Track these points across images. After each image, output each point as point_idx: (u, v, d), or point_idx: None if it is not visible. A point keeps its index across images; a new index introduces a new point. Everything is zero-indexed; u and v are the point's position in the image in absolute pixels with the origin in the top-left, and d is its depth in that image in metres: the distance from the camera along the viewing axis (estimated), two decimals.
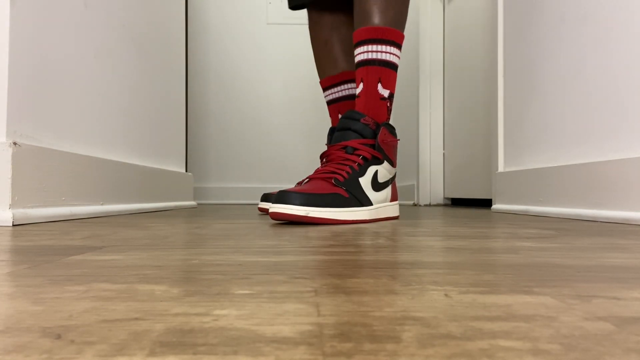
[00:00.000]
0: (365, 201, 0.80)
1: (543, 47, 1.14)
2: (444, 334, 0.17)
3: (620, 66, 0.87)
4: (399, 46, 0.88)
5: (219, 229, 0.63)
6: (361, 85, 0.87)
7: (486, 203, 1.87)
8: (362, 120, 0.83)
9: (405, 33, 2.24)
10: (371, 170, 0.82)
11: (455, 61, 1.96)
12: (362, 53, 0.87)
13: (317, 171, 0.81)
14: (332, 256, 0.36)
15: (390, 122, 2.51)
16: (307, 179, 0.81)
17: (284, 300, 0.22)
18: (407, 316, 0.19)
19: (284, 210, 0.71)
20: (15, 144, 0.69)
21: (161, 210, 1.27)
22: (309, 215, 0.71)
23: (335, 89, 1.07)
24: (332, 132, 0.96)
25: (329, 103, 1.09)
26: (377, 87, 0.86)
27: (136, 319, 0.19)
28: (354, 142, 0.82)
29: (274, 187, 2.35)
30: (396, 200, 0.92)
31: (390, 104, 0.88)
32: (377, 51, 0.86)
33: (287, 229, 0.62)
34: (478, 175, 1.77)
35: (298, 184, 1.02)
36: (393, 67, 0.87)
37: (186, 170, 1.85)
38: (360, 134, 0.82)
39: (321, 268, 0.31)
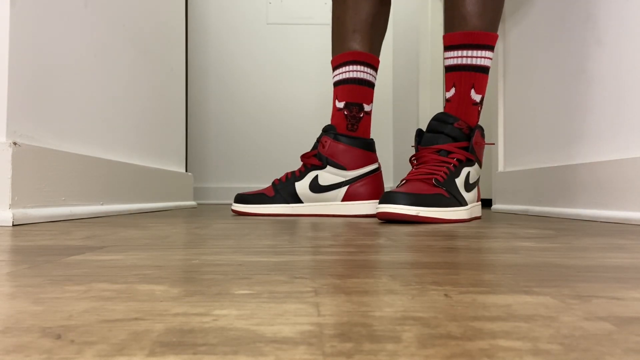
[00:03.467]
0: (462, 201, 0.82)
1: (543, 47, 1.14)
2: (444, 334, 0.17)
3: (620, 66, 0.87)
4: (493, 48, 0.87)
5: (219, 229, 0.63)
6: (453, 90, 0.87)
7: (486, 203, 1.87)
8: (455, 124, 0.84)
9: (405, 33, 2.24)
10: (464, 171, 0.84)
11: None
12: (456, 57, 0.86)
13: (411, 173, 0.83)
14: (332, 256, 0.36)
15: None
16: (403, 181, 0.82)
17: (284, 300, 0.22)
18: (407, 316, 0.19)
19: (394, 210, 0.73)
20: (15, 144, 0.69)
21: (161, 210, 1.27)
22: (420, 214, 0.73)
23: (338, 71, 1.03)
24: (420, 133, 0.90)
25: (333, 85, 1.06)
26: (470, 93, 0.87)
27: (136, 319, 0.19)
28: (448, 146, 0.83)
29: None
30: (480, 200, 0.94)
31: (481, 108, 0.89)
32: (472, 56, 0.86)
33: (286, 229, 0.62)
34: None
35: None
36: (486, 71, 0.87)
37: (186, 170, 1.85)
38: (453, 137, 0.84)
39: (321, 268, 0.31)
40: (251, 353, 0.15)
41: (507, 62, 1.33)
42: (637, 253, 0.40)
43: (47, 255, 0.36)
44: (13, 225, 0.66)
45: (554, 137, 1.09)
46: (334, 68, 1.03)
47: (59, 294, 0.23)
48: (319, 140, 1.01)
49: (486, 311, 0.20)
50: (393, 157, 2.47)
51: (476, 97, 0.86)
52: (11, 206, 0.68)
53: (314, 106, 2.38)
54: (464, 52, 0.86)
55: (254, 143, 2.36)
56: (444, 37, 0.88)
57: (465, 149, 0.85)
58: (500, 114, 1.37)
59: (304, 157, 1.02)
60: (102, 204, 0.96)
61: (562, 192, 1.03)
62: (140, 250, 0.40)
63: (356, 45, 1.00)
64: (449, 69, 0.88)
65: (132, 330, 0.17)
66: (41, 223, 0.72)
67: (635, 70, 0.83)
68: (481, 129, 0.87)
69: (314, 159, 1.00)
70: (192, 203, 1.61)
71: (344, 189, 0.99)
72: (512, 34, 1.30)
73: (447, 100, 0.88)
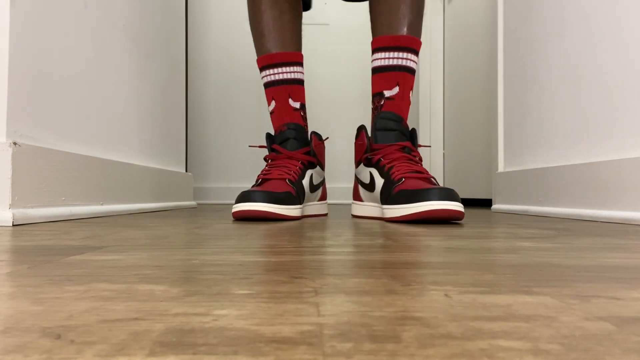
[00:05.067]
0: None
1: (543, 47, 1.14)
2: (444, 334, 0.17)
3: (620, 66, 0.87)
4: (417, 52, 0.92)
5: (219, 229, 0.63)
6: (396, 88, 0.90)
7: (486, 203, 1.87)
8: (402, 123, 0.90)
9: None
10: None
11: (455, 61, 1.96)
12: (401, 59, 0.90)
13: (411, 170, 0.88)
14: (332, 256, 0.36)
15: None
16: (403, 179, 0.88)
17: (284, 300, 0.22)
18: (407, 316, 0.19)
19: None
20: (15, 144, 0.69)
21: (161, 210, 1.27)
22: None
23: (285, 69, 1.01)
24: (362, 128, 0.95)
25: (281, 83, 1.00)
26: (410, 93, 0.91)
27: (136, 319, 0.19)
28: (407, 143, 0.89)
29: None
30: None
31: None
32: (411, 60, 0.91)
33: (286, 229, 0.62)
34: (478, 175, 1.77)
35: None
36: (412, 72, 0.92)
37: (186, 170, 1.85)
38: (405, 135, 0.90)
39: (321, 268, 0.31)
40: (251, 353, 0.15)
41: (507, 62, 1.33)
42: (637, 253, 0.40)
43: (47, 255, 0.36)
44: (13, 225, 0.66)
45: (554, 137, 1.09)
46: (276, 65, 0.99)
47: (59, 294, 0.23)
48: (311, 138, 0.96)
49: (486, 311, 0.20)
50: None
51: (411, 98, 0.92)
52: (11, 206, 0.68)
53: (313, 106, 2.38)
54: (407, 55, 0.89)
55: (254, 143, 2.36)
56: (381, 38, 0.90)
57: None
58: (500, 114, 1.37)
59: (299, 152, 0.93)
60: (102, 204, 0.96)
61: (562, 192, 1.03)
62: (140, 250, 0.40)
63: (296, 45, 1.07)
64: (390, 69, 0.90)
65: (132, 330, 0.17)
66: (41, 223, 0.72)
67: (634, 70, 0.83)
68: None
69: (310, 157, 0.94)
70: (192, 203, 1.61)
71: (321, 189, 1.01)
72: (511, 33, 1.30)
73: (388, 98, 0.90)
